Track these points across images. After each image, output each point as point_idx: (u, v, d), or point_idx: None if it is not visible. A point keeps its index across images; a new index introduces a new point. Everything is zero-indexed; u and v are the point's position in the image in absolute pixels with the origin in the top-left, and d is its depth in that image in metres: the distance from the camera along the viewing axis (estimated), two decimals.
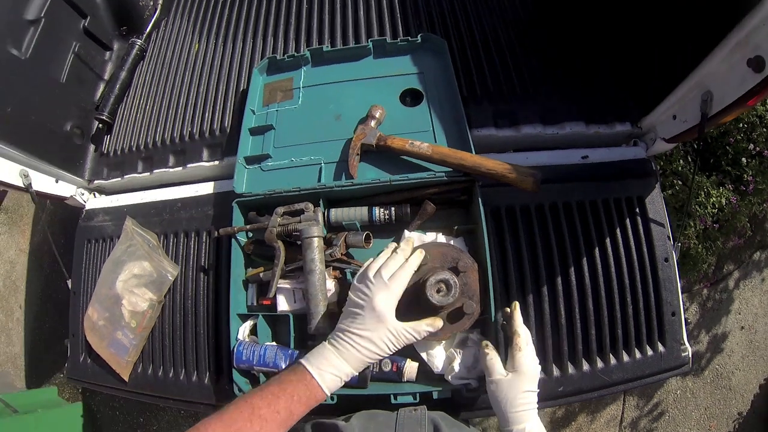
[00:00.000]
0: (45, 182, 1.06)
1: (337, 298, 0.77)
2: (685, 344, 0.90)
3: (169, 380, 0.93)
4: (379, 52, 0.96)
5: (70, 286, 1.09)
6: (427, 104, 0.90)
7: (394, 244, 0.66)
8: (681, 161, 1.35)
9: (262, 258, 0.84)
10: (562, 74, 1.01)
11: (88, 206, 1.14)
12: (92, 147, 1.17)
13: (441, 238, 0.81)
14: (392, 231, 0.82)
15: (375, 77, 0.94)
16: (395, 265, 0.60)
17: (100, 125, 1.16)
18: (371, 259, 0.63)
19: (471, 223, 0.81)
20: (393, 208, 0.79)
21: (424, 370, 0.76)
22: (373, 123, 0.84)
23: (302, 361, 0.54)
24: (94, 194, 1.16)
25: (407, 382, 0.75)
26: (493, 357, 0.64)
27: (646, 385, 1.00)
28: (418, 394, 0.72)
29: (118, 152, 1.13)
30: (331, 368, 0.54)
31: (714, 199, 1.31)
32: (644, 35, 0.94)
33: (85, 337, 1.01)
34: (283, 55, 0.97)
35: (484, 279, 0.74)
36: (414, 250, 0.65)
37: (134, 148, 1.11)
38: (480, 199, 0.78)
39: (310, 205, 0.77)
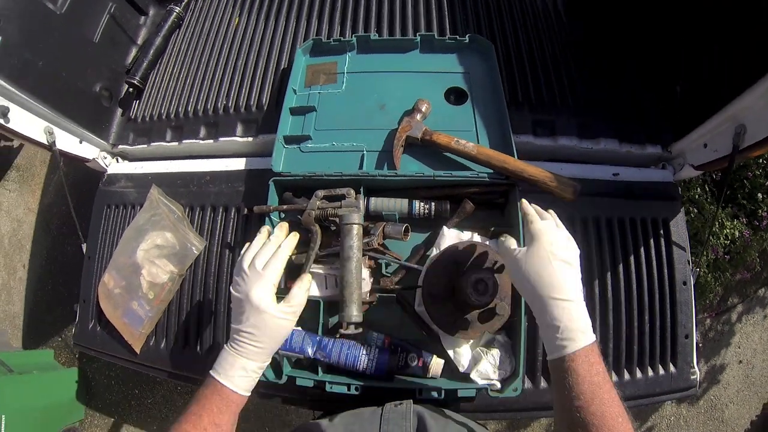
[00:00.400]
0: (69, 142, 1.04)
1: (371, 287, 0.77)
2: (694, 367, 0.92)
3: (182, 357, 0.91)
4: (426, 47, 0.95)
5: (84, 251, 1.07)
6: (471, 104, 0.90)
7: (267, 228, 0.64)
8: (698, 189, 1.38)
9: None
10: (601, 91, 1.03)
11: (110, 170, 1.11)
12: (119, 111, 1.14)
13: (476, 237, 0.81)
14: (429, 226, 0.82)
15: (420, 72, 0.93)
16: (268, 253, 0.59)
17: (130, 89, 1.13)
18: (246, 246, 0.62)
19: (506, 226, 0.81)
20: (433, 204, 0.79)
21: (449, 368, 0.76)
22: (419, 116, 0.84)
23: (211, 372, 0.55)
24: (117, 159, 1.14)
25: (432, 378, 0.75)
26: (508, 238, 0.59)
27: (652, 404, 1.02)
28: (443, 391, 0.72)
29: (147, 118, 1.11)
30: (237, 371, 0.54)
31: (727, 230, 1.34)
32: (686, 64, 0.96)
33: (98, 304, 0.98)
34: (328, 38, 0.96)
35: None
36: (288, 234, 0.64)
37: (164, 116, 1.09)
38: (519, 203, 0.78)
39: (352, 192, 0.76)
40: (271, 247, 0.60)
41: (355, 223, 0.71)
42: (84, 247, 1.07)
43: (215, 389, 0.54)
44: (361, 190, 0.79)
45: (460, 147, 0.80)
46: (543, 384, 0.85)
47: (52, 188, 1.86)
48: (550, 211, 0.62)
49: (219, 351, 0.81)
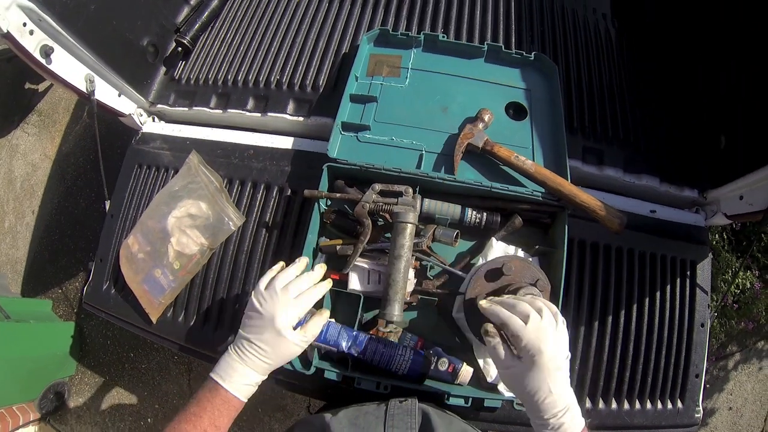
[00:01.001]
0: (108, 93, 1.00)
1: (413, 288, 0.76)
2: (699, 406, 0.96)
3: (200, 334, 0.89)
4: (491, 57, 0.95)
5: (107, 208, 1.03)
6: (530, 121, 0.90)
7: (306, 260, 0.67)
8: (716, 236, 1.42)
9: (339, 230, 0.82)
10: (651, 128, 1.04)
11: (145, 129, 1.07)
12: (163, 69, 1.10)
13: (520, 253, 0.81)
14: (477, 235, 0.82)
15: (484, 80, 0.93)
16: (304, 285, 0.62)
17: (179, 48, 1.09)
18: (280, 266, 0.65)
19: (550, 246, 0.82)
20: (485, 214, 0.79)
21: (477, 376, 0.77)
22: (481, 125, 0.84)
23: (213, 376, 0.57)
24: (154, 118, 1.10)
25: (459, 385, 0.75)
26: (497, 344, 0.53)
27: None
28: (471, 399, 0.72)
29: (192, 81, 1.07)
30: (240, 378, 0.57)
31: (739, 280, 1.39)
32: (735, 115, 0.98)
33: (118, 265, 0.95)
34: (395, 30, 0.94)
35: (555, 302, 0.75)
36: (324, 278, 0.67)
37: (210, 81, 1.05)
38: (567, 226, 0.79)
39: (410, 190, 0.76)
40: (308, 281, 0.63)
41: (410, 223, 0.70)
42: (107, 204, 1.03)
43: (217, 393, 0.55)
44: (417, 189, 0.79)
45: (519, 163, 0.80)
46: None
47: (73, 137, 1.77)
48: (518, 299, 0.56)
49: (234, 333, 0.80)
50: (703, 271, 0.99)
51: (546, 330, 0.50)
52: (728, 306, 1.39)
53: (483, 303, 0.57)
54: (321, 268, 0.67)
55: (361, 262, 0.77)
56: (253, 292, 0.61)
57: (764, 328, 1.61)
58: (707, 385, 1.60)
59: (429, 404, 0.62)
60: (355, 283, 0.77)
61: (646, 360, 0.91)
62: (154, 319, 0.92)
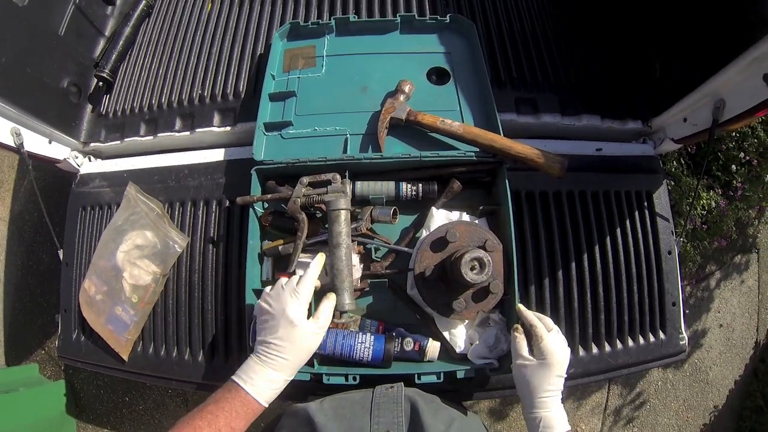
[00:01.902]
0: (37, 142, 0.98)
1: (361, 273, 0.75)
2: (682, 333, 0.95)
3: (172, 360, 0.88)
4: (406, 28, 0.94)
5: (61, 257, 1.02)
6: (454, 84, 0.89)
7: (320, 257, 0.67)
8: (674, 162, 1.41)
9: (279, 230, 0.81)
10: (582, 68, 1.03)
11: (82, 170, 1.06)
12: (89, 107, 1.09)
13: (465, 217, 0.80)
14: (417, 208, 0.81)
15: (401, 52, 0.92)
16: (303, 275, 0.62)
17: (100, 83, 1.08)
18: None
19: (494, 204, 0.81)
20: (420, 185, 0.78)
21: (446, 350, 0.76)
22: (402, 97, 0.82)
23: (234, 378, 0.55)
24: (90, 158, 1.09)
25: (429, 361, 0.75)
26: (521, 341, 0.64)
27: (645, 370, 1.04)
28: (442, 374, 0.71)
29: (119, 113, 1.06)
30: (263, 381, 0.55)
31: (704, 201, 1.38)
32: (665, 41, 0.97)
33: (81, 312, 0.94)
34: (306, 22, 0.93)
35: (508, 259, 0.74)
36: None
37: (137, 110, 1.04)
38: (507, 181, 0.78)
39: (338, 177, 0.75)
40: (305, 271, 0.62)
41: (343, 209, 0.69)
42: (60, 253, 1.02)
43: (237, 394, 0.53)
44: (347, 174, 0.78)
45: (445, 126, 0.79)
46: None
47: (23, 194, 1.76)
48: (518, 306, 0.69)
49: (212, 352, 0.80)
50: (660, 199, 0.98)
51: (561, 341, 0.63)
52: (698, 228, 1.38)
53: (521, 306, 0.69)
54: (320, 257, 0.66)
55: (306, 258, 0.76)
56: (260, 299, 0.61)
57: (737, 242, 1.61)
58: (687, 310, 1.61)
59: (416, 390, 0.62)
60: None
61: (619, 298, 0.91)
62: (125, 357, 0.91)
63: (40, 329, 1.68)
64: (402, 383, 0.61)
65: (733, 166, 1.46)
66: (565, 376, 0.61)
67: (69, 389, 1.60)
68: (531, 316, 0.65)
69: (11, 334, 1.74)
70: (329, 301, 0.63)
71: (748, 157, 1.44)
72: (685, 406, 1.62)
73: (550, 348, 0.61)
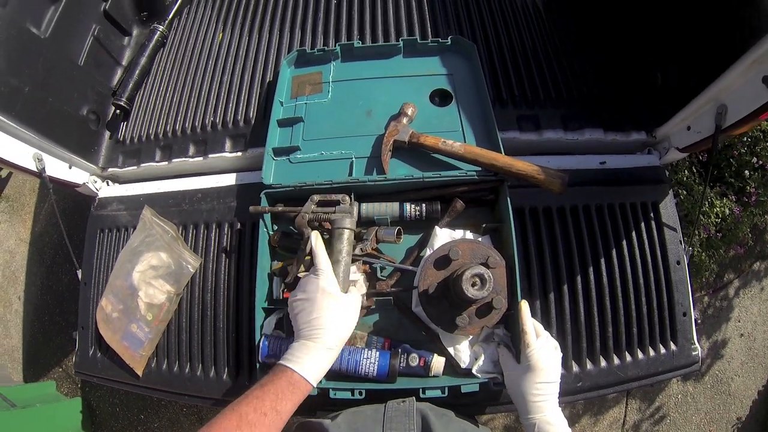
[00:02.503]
0: (58, 167, 1.04)
1: (366, 290, 0.77)
2: (695, 344, 0.94)
3: (185, 376, 0.91)
4: (409, 51, 0.97)
5: (80, 277, 1.06)
6: (457, 105, 0.91)
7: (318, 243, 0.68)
8: (686, 172, 1.40)
9: (288, 251, 0.83)
10: (583, 83, 1.04)
11: (101, 194, 1.11)
12: (107, 134, 1.14)
13: (469, 235, 0.82)
14: (421, 227, 0.83)
15: (405, 75, 0.95)
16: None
17: (117, 111, 1.13)
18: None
19: (497, 222, 0.82)
20: (424, 205, 0.80)
21: (451, 366, 0.77)
22: (405, 120, 0.85)
23: (280, 361, 0.55)
24: (108, 182, 1.14)
25: (434, 376, 0.75)
26: (504, 353, 0.69)
27: (657, 383, 1.02)
28: (446, 388, 0.72)
29: (135, 140, 1.11)
30: (310, 360, 0.54)
31: (717, 209, 1.36)
32: (664, 50, 0.98)
33: (97, 329, 0.98)
34: (312, 49, 0.97)
35: (511, 275, 0.75)
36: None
37: (152, 136, 1.09)
38: (509, 198, 0.79)
39: (347, 198, 0.77)
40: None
41: (347, 228, 0.72)
42: (79, 273, 1.07)
43: (283, 375, 0.53)
44: (352, 196, 0.80)
45: (447, 147, 0.81)
46: None
47: (43, 217, 1.84)
48: (523, 301, 0.70)
49: (224, 368, 0.81)
50: (667, 209, 0.98)
51: (548, 348, 0.65)
52: (712, 237, 1.36)
53: (524, 305, 0.69)
54: (315, 236, 0.67)
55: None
56: (289, 300, 0.63)
57: (755, 249, 1.57)
58: (705, 321, 1.56)
59: (428, 404, 0.63)
60: None
61: (627, 310, 0.90)
62: (139, 373, 0.94)
63: (58, 348, 1.74)
64: (414, 398, 0.63)
65: (746, 172, 1.44)
66: (555, 381, 0.64)
67: (85, 406, 1.64)
68: (526, 320, 0.67)
69: (30, 352, 1.79)
70: (357, 274, 0.68)
71: (761, 162, 1.42)
72: (707, 419, 1.57)
73: (536, 355, 0.63)
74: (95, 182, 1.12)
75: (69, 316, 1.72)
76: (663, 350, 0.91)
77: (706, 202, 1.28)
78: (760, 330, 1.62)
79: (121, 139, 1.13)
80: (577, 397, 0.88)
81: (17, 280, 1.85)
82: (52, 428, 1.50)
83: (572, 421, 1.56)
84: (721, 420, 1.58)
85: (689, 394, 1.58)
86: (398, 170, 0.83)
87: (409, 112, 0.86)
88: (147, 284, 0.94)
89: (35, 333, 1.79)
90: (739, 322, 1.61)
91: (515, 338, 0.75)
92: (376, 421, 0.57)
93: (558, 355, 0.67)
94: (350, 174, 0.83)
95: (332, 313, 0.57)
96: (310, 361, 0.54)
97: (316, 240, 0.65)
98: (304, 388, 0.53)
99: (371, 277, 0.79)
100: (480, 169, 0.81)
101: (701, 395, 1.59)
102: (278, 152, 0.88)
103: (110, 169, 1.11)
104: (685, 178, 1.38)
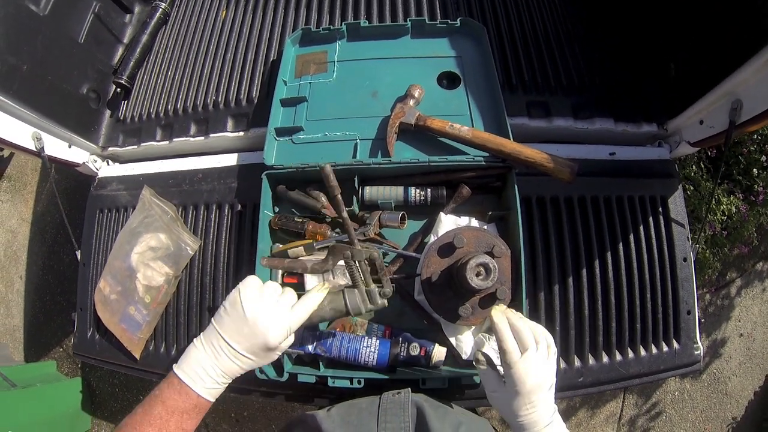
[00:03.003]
0: (57, 147, 1.02)
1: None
2: (698, 343, 0.92)
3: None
4: (417, 32, 0.94)
5: (78, 258, 1.05)
6: (465, 88, 0.88)
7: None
8: (694, 167, 1.38)
9: (289, 234, 0.82)
10: (595, 71, 1.01)
11: (100, 174, 1.09)
12: (108, 112, 1.12)
13: (474, 222, 0.80)
14: (426, 213, 0.81)
15: (412, 57, 0.92)
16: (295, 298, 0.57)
17: (118, 90, 1.11)
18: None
19: (504, 210, 0.81)
20: (429, 190, 0.78)
21: (452, 355, 0.76)
22: (411, 102, 0.82)
23: (180, 375, 0.50)
24: (108, 162, 1.12)
25: (435, 367, 0.74)
26: (485, 373, 0.58)
27: (658, 381, 1.02)
28: (447, 379, 0.71)
29: (136, 119, 1.09)
30: (211, 381, 0.51)
31: (724, 206, 1.34)
32: (680, 42, 0.95)
33: (95, 311, 0.97)
34: (318, 28, 0.94)
35: (517, 265, 0.74)
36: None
37: (153, 115, 1.07)
38: (516, 186, 0.77)
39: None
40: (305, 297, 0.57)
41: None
42: (78, 254, 1.06)
43: (187, 396, 0.50)
44: (356, 179, 0.78)
45: (454, 131, 0.79)
46: None
47: (45, 197, 1.83)
48: (494, 310, 0.58)
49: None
50: (676, 204, 0.96)
51: (535, 363, 0.52)
52: (717, 234, 1.34)
53: (495, 314, 0.57)
54: (323, 288, 0.59)
55: (313, 261, 0.76)
56: (240, 287, 0.53)
57: (759, 249, 1.56)
58: (706, 319, 1.55)
59: (423, 396, 0.61)
60: (310, 283, 0.77)
61: (631, 306, 0.89)
62: (137, 355, 0.93)
63: (59, 327, 1.74)
64: (409, 389, 0.61)
65: (755, 170, 1.42)
66: (549, 389, 0.54)
67: (85, 386, 1.65)
68: (504, 335, 0.54)
69: (31, 331, 1.80)
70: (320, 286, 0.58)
71: None
72: (702, 417, 1.57)
73: (520, 377, 0.51)
74: (95, 162, 1.10)
75: (70, 296, 1.73)
76: (666, 348, 0.90)
77: (713, 199, 1.26)
78: (759, 331, 1.61)
79: (121, 117, 1.11)
80: (578, 392, 0.87)
81: (19, 260, 1.85)
82: (52, 408, 1.52)
83: (569, 414, 1.57)
84: (716, 419, 1.58)
85: (686, 392, 1.58)
86: (403, 153, 0.81)
87: (416, 94, 0.84)
88: (145, 266, 0.93)
89: (36, 313, 1.80)
90: (739, 321, 1.60)
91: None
92: (371, 413, 0.56)
93: (551, 363, 0.55)
94: (354, 156, 0.81)
95: (256, 361, 0.53)
96: (212, 383, 0.51)
97: (316, 296, 0.58)
98: (207, 406, 0.52)
99: (373, 263, 0.77)
100: (487, 155, 0.79)
101: (698, 393, 1.58)
102: (281, 132, 0.86)
103: (110, 149, 1.09)
104: (692, 174, 1.35)
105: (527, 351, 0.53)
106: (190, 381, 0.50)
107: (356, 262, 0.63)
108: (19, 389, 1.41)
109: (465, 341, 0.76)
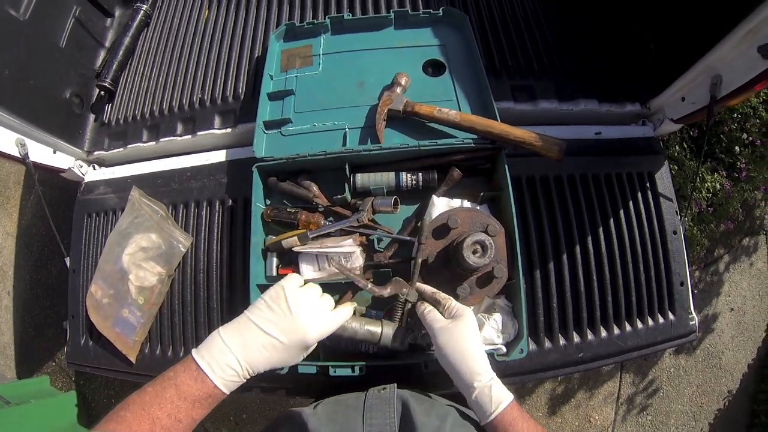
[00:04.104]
0: (42, 153, 1.00)
1: (363, 263, 0.76)
2: (692, 313, 0.94)
3: (179, 361, 0.88)
4: (400, 23, 0.95)
5: (68, 265, 1.03)
6: (450, 75, 0.89)
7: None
8: (677, 147, 1.41)
9: (281, 225, 0.81)
10: (578, 53, 1.04)
11: (87, 179, 1.08)
12: (92, 116, 1.11)
13: (466, 204, 0.80)
14: (418, 197, 0.81)
15: (396, 47, 0.93)
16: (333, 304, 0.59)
17: (102, 93, 1.10)
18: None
19: (495, 190, 0.81)
20: (420, 174, 0.79)
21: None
22: (398, 89, 0.83)
23: (200, 363, 0.49)
24: (94, 166, 1.10)
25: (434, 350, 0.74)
26: (431, 309, 0.62)
27: (655, 353, 1.03)
28: None
29: (121, 121, 1.07)
30: (234, 374, 0.50)
31: (708, 184, 1.37)
32: (659, 21, 0.97)
33: (88, 317, 0.95)
34: (302, 22, 0.95)
35: (511, 243, 0.74)
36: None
37: (138, 117, 1.06)
38: (506, 166, 0.78)
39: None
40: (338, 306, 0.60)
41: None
42: (68, 260, 1.03)
43: (203, 384, 0.48)
44: (347, 167, 0.78)
45: (442, 115, 0.80)
46: (547, 344, 0.86)
47: (29, 209, 1.79)
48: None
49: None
50: (663, 179, 0.98)
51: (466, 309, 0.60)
52: (704, 212, 1.37)
53: (419, 284, 0.67)
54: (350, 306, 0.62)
55: (308, 249, 0.76)
56: (284, 283, 0.54)
57: (745, 224, 1.60)
58: (696, 292, 1.58)
59: (409, 391, 0.60)
60: (306, 272, 0.77)
61: (625, 280, 0.90)
62: (132, 359, 0.91)
63: (50, 341, 1.70)
64: (395, 384, 0.60)
65: (737, 147, 1.45)
66: (480, 345, 0.58)
67: (80, 399, 1.61)
68: (435, 290, 0.65)
69: (22, 347, 1.75)
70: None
71: (751, 138, 1.44)
72: (698, 392, 1.60)
73: (459, 306, 0.60)
74: (81, 167, 1.09)
75: (60, 309, 1.69)
76: (661, 320, 0.91)
77: (698, 177, 1.29)
78: (749, 304, 1.65)
79: (106, 121, 1.09)
80: (579, 368, 0.88)
81: (6, 275, 1.81)
82: (48, 424, 1.48)
83: (567, 396, 1.57)
84: (712, 393, 1.61)
85: (681, 368, 1.61)
86: (393, 139, 0.82)
87: (403, 81, 0.84)
88: (137, 266, 0.91)
89: (26, 328, 1.76)
90: (729, 296, 1.63)
91: (516, 309, 0.74)
92: (356, 410, 0.55)
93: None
94: (344, 144, 0.81)
95: (287, 358, 0.53)
96: (233, 376, 0.50)
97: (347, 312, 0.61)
98: (221, 397, 0.50)
99: (368, 249, 0.77)
100: (476, 137, 0.80)
101: (693, 369, 1.61)
102: (269, 125, 0.85)
103: (96, 153, 1.08)
104: (676, 154, 1.39)
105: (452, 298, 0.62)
106: (209, 370, 0.48)
107: (406, 303, 0.69)
108: (13, 407, 1.37)
109: None
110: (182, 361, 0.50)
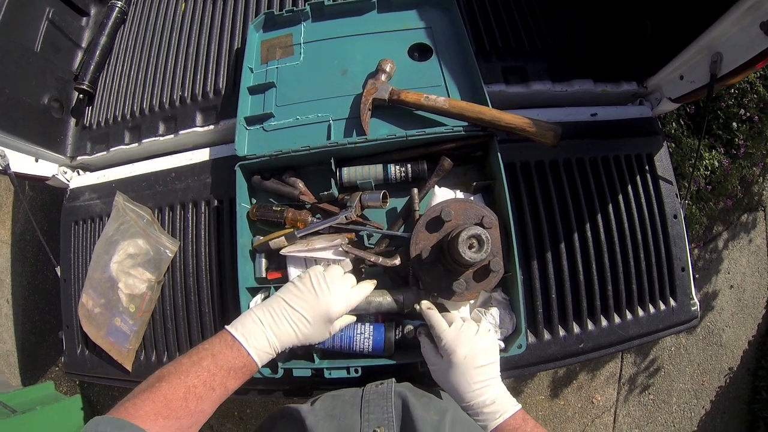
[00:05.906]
0: (23, 162, 0.98)
1: (352, 267, 0.73)
2: (693, 299, 0.92)
3: None
4: (383, 7, 0.90)
5: (59, 274, 1.01)
6: (437, 58, 0.85)
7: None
8: (674, 124, 1.37)
9: (268, 224, 0.79)
10: (571, 32, 0.99)
11: (72, 185, 1.05)
12: (73, 120, 1.08)
13: (459, 194, 0.78)
14: (408, 189, 0.78)
15: (380, 32, 0.89)
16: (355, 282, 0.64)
17: (81, 96, 1.07)
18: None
19: (488, 179, 0.79)
20: (409, 165, 0.76)
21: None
22: (383, 77, 0.80)
23: (235, 334, 0.52)
24: (78, 172, 1.08)
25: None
26: (425, 343, 0.63)
27: (657, 339, 1.02)
28: None
29: (102, 124, 1.04)
30: (267, 345, 0.53)
31: (707, 161, 1.34)
32: None
33: (81, 327, 0.94)
34: (281, 11, 0.90)
35: (507, 235, 0.72)
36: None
37: (119, 118, 1.03)
38: (499, 154, 0.75)
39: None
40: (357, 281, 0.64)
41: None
42: (58, 270, 1.02)
43: (239, 353, 0.51)
44: (332, 161, 0.75)
45: (430, 103, 0.76)
46: (547, 336, 0.84)
47: (22, 215, 1.78)
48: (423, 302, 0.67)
49: None
50: (662, 161, 0.95)
51: (464, 334, 0.59)
52: (702, 189, 1.34)
53: (424, 304, 0.66)
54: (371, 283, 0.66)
55: (295, 252, 0.74)
56: (310, 269, 0.59)
57: (743, 201, 1.57)
58: (697, 274, 1.57)
59: (407, 385, 0.60)
60: (295, 275, 0.74)
61: (626, 267, 0.88)
62: (129, 367, 0.91)
63: (52, 346, 1.71)
64: (393, 379, 0.59)
65: (734, 124, 1.41)
66: (488, 363, 0.58)
67: (85, 403, 1.62)
68: (430, 315, 0.63)
69: (25, 354, 1.76)
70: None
71: (748, 114, 1.40)
72: (699, 370, 1.60)
73: (450, 347, 0.58)
74: (65, 173, 1.06)
75: (59, 314, 1.67)
76: (663, 306, 0.89)
77: (695, 154, 1.25)
78: (749, 281, 1.63)
79: (87, 124, 1.06)
80: (580, 358, 0.86)
81: (3, 283, 1.80)
82: (55, 429, 1.48)
83: (569, 378, 1.57)
84: (713, 371, 1.61)
85: (682, 346, 1.60)
86: (380, 130, 0.79)
87: (388, 68, 0.81)
88: (126, 274, 0.90)
89: (28, 334, 1.76)
90: (728, 273, 1.62)
91: (513, 302, 0.72)
92: (354, 405, 0.54)
93: (485, 336, 0.60)
94: (329, 138, 0.78)
95: (313, 332, 0.57)
96: (266, 348, 0.53)
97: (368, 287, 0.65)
98: (254, 369, 0.53)
99: (358, 246, 0.75)
100: (467, 124, 0.77)
101: (694, 347, 1.61)
102: (251, 121, 0.82)
103: (79, 158, 1.05)
104: (673, 131, 1.35)
105: (455, 323, 0.60)
106: (244, 340, 0.51)
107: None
108: (18, 415, 1.37)
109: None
110: (216, 335, 0.53)
